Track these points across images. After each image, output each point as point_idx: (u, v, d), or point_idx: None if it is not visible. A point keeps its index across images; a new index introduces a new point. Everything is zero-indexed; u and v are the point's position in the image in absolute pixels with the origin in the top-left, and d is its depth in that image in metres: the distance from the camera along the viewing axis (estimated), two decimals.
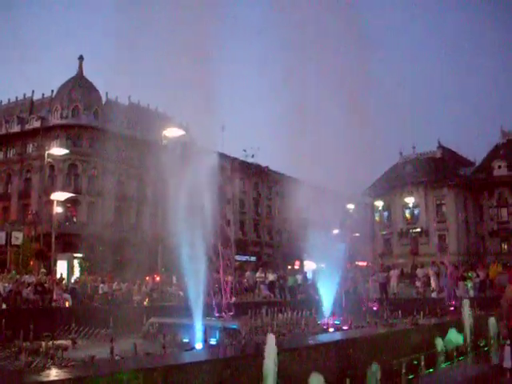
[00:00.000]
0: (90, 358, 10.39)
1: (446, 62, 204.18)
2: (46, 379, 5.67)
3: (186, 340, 15.25)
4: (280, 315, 21.90)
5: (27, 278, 30.07)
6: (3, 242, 49.71)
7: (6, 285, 27.22)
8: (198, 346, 14.28)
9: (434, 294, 30.08)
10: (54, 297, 26.49)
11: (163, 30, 19.25)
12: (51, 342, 14.20)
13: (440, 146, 78.48)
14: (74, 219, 59.33)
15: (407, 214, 75.25)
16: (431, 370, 11.49)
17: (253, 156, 69.39)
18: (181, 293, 26.32)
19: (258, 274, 35.49)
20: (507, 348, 10.16)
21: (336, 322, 19.27)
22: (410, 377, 10.56)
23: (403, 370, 10.36)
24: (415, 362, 11.30)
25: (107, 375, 5.93)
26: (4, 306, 24.04)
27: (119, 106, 65.41)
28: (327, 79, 22.65)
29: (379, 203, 68.82)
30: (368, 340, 10.28)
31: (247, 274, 35.82)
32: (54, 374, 6.04)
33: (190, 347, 13.93)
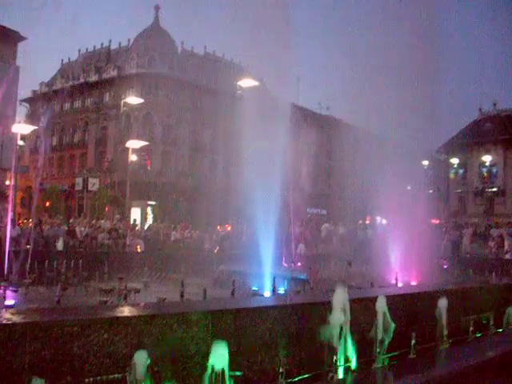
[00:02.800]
0: (161, 299, 10.71)
1: None
2: (119, 315, 5.91)
3: (254, 288, 15.49)
4: (349, 268, 21.93)
5: (103, 224, 31.11)
6: (80, 188, 51.36)
7: (83, 229, 28.24)
8: (267, 294, 14.50)
9: (508, 255, 29.44)
10: (128, 242, 27.31)
11: None
12: (124, 284, 14.66)
13: None
14: (149, 167, 60.48)
15: (484, 172, 73.18)
16: (500, 330, 11.32)
17: (328, 108, 68.78)
18: (251, 242, 26.65)
19: (328, 226, 35.51)
20: None
21: (405, 278, 19.15)
22: (478, 335, 10.45)
23: (471, 328, 10.26)
24: (484, 321, 11.16)
25: (178, 314, 6.12)
26: (81, 249, 25.01)
27: (195, 55, 65.69)
28: (403, 29, 22.02)
29: (455, 160, 67.18)
30: (436, 295, 10.16)
31: (324, 225, 35.81)
32: (127, 310, 6.28)
33: (258, 295, 14.16)
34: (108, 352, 5.42)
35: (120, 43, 69.07)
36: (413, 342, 8.35)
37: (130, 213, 46.34)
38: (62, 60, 75.32)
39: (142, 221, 46.43)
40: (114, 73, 65.30)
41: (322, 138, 68.82)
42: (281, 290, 15.13)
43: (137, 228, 33.02)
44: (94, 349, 5.33)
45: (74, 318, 5.61)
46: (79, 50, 73.57)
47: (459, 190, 73.07)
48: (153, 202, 54.13)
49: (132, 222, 36.19)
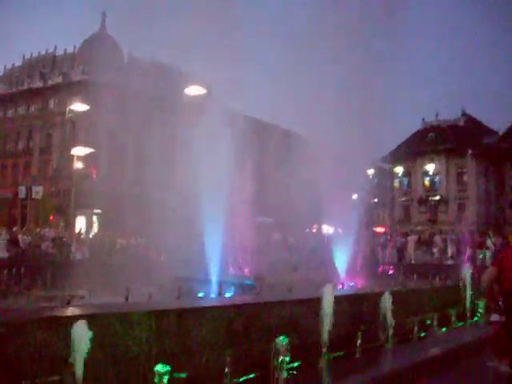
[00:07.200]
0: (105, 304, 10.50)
1: (472, 31, 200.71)
2: (59, 314, 5.74)
3: (201, 294, 15.40)
4: (295, 273, 22.04)
5: (47, 232, 30.55)
6: (23, 196, 50.22)
7: (26, 237, 27.64)
8: None
9: (450, 261, 30.03)
10: (73, 250, 26.86)
11: None
12: (68, 292, 14.37)
13: (464, 114, 77.14)
14: (94, 175, 59.53)
15: (427, 181, 74.56)
16: (444, 330, 11.52)
17: (273, 118, 68.87)
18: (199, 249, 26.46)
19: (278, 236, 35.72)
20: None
21: (350, 283, 19.33)
22: (422, 335, 10.59)
23: (415, 328, 10.39)
24: (428, 322, 11.34)
25: (120, 314, 5.97)
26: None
27: (142, 63, 65.13)
28: (350, 43, 22.30)
29: (399, 169, 68.47)
30: (380, 296, 10.24)
31: (276, 235, 36.04)
32: (67, 311, 6.11)
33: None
34: (46, 354, 5.24)
35: (65, 49, 68.01)
36: (358, 341, 8.39)
37: (75, 221, 45.53)
38: (5, 66, 73.70)
39: (87, 229, 45.69)
40: (59, 79, 64.24)
41: (269, 146, 68.93)
42: (227, 295, 15.08)
43: (82, 236, 32.51)
44: (31, 350, 5.15)
45: (9, 318, 5.42)
46: (23, 56, 72.12)
47: (403, 199, 74.34)
48: (98, 211, 53.31)
49: (77, 231, 35.59)
